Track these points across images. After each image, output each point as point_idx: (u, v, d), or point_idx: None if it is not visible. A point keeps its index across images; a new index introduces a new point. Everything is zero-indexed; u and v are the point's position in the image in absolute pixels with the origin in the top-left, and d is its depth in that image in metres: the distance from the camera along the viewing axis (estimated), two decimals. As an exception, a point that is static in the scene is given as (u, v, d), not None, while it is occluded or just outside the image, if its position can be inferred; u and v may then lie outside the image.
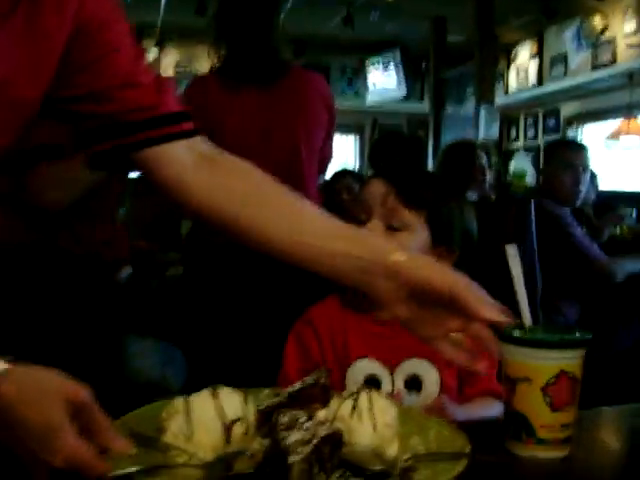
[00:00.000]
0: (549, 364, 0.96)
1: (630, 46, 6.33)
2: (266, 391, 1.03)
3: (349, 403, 0.89)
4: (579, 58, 7.02)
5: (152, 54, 8.29)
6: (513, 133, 9.01)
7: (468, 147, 4.01)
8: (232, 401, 0.89)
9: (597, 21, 6.64)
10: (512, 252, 1.03)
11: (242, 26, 2.41)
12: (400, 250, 0.99)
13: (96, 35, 1.01)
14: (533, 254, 2.78)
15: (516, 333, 0.99)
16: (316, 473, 0.78)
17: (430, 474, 0.82)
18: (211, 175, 1.06)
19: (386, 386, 1.32)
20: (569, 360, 0.97)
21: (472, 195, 3.71)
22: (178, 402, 0.89)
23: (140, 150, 1.04)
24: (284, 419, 0.83)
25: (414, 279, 0.94)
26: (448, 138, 8.83)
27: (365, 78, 8.95)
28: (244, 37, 2.41)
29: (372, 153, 3.70)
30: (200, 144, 1.09)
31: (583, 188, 3.38)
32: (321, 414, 0.90)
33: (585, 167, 3.39)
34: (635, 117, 7.03)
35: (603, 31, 6.65)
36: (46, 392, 0.81)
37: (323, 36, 8.14)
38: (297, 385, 0.94)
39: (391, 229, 1.36)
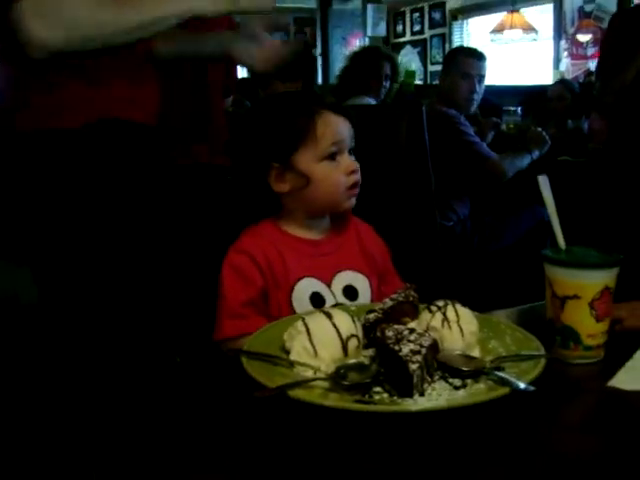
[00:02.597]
0: (596, 282, 1.09)
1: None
2: (353, 308, 1.21)
3: (439, 316, 1.06)
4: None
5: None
6: (399, 28, 9.01)
7: (374, 55, 4.03)
8: (344, 320, 1.03)
9: None
10: (543, 181, 1.16)
11: None
12: None
13: None
14: (426, 156, 2.86)
15: (561, 256, 1.14)
16: (425, 376, 0.94)
17: (518, 372, 0.96)
18: None
19: (329, 300, 1.41)
20: (611, 277, 1.10)
21: (371, 100, 3.77)
22: (298, 324, 1.03)
23: None
24: (389, 333, 0.96)
25: None
26: (336, 35, 8.77)
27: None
28: None
29: None
30: None
31: (477, 97, 3.48)
32: (412, 325, 1.05)
33: (481, 76, 3.47)
34: (518, 10, 7.15)
35: None
36: None
37: None
38: (389, 302, 1.11)
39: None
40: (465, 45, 7.69)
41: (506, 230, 3.34)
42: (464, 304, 1.11)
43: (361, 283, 1.47)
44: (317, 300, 1.41)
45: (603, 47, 2.88)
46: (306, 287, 1.41)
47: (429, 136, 2.81)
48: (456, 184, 3.29)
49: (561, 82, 4.72)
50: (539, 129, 3.52)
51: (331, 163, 1.43)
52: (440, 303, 1.09)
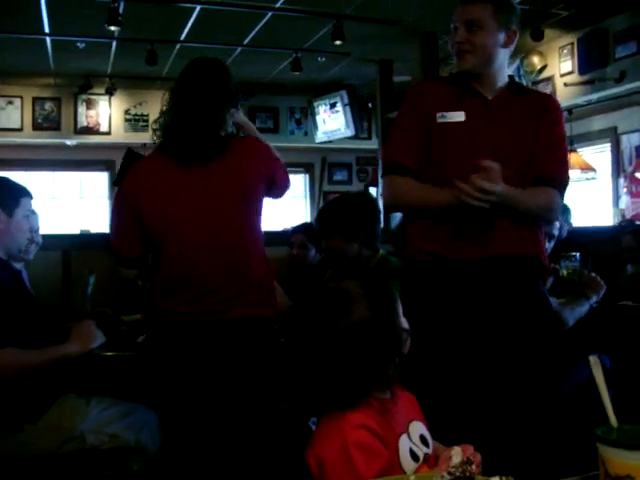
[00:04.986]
0: None
1: (567, 84, 6.56)
2: (412, 478, 1.27)
3: None
4: (520, 95, 7.24)
5: (102, 101, 8.32)
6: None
7: None
8: None
9: (536, 60, 6.87)
10: (594, 361, 1.19)
11: (192, 111, 2.50)
12: None
13: None
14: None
15: (613, 435, 1.13)
16: None
17: None
18: None
19: (418, 452, 1.47)
20: None
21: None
22: None
23: None
24: None
25: None
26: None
27: (314, 118, 9.05)
28: (191, 121, 2.49)
29: (320, 218, 3.45)
30: None
31: (548, 247, 3.51)
32: None
33: (551, 236, 3.51)
34: (575, 150, 7.27)
35: (542, 69, 6.88)
36: None
37: (271, 79, 8.25)
38: (447, 476, 1.15)
39: None
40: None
41: (564, 379, 3.29)
42: (518, 476, 1.13)
43: (425, 429, 1.54)
44: (412, 454, 1.45)
45: None
46: (405, 444, 1.45)
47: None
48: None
49: (630, 232, 4.64)
50: (593, 274, 3.51)
51: None
52: (495, 479, 1.11)
